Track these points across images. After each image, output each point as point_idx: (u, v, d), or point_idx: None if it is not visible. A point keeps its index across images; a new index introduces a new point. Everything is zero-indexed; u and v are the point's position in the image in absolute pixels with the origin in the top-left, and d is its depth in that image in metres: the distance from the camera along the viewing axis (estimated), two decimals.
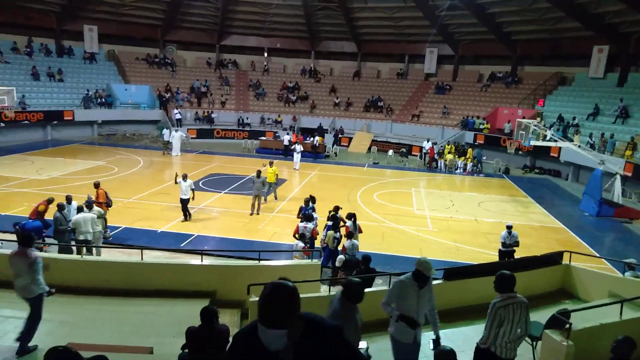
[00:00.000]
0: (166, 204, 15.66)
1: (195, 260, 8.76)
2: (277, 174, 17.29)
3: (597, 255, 12.83)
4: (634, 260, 8.65)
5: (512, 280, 4.73)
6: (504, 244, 11.16)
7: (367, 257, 9.36)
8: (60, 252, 10.00)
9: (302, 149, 24.28)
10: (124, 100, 32.16)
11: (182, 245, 12.44)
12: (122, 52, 36.55)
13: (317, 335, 2.20)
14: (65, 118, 28.69)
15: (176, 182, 14.17)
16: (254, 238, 13.21)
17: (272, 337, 2.05)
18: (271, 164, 17.43)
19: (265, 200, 16.76)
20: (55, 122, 28.57)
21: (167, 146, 26.16)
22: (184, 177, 13.96)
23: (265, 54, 39.62)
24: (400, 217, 16.28)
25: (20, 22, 31.39)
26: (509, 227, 11.18)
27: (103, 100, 31.29)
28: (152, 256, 10.42)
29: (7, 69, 29.26)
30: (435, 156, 26.52)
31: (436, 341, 4.94)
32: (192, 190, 13.98)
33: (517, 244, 11.10)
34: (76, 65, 33.31)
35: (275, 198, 17.45)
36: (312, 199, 12.63)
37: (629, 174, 19.87)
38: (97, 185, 12.72)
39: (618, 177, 18.54)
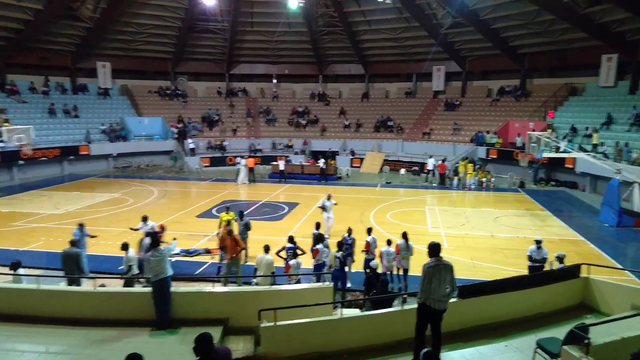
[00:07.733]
0: (180, 233, 15.71)
1: (207, 287, 8.74)
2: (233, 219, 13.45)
3: (619, 266, 12.47)
4: None
5: (437, 248, 6.18)
6: (530, 258, 10.65)
7: (385, 281, 9.32)
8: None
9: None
10: (137, 132, 32.85)
11: (196, 272, 12.44)
12: (135, 86, 37.53)
13: None
14: (81, 153, 29.36)
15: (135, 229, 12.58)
16: None
17: None
18: (227, 209, 13.94)
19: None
20: (71, 157, 29.25)
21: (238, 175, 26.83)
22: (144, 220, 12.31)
23: (274, 81, 40.30)
24: (415, 236, 15.92)
25: (36, 63, 32.61)
26: (538, 242, 10.62)
27: (117, 133, 31.98)
28: None
29: (25, 108, 30.21)
30: (448, 172, 26.29)
31: None
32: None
33: (543, 260, 10.48)
34: (91, 101, 34.27)
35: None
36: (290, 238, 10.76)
37: None
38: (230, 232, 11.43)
39: (636, 185, 18.13)
